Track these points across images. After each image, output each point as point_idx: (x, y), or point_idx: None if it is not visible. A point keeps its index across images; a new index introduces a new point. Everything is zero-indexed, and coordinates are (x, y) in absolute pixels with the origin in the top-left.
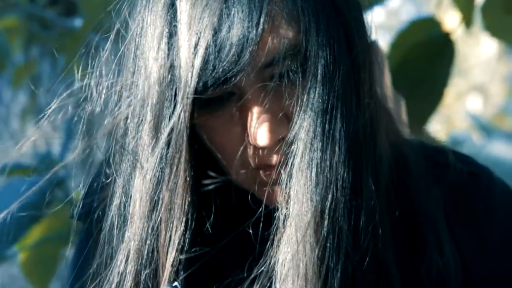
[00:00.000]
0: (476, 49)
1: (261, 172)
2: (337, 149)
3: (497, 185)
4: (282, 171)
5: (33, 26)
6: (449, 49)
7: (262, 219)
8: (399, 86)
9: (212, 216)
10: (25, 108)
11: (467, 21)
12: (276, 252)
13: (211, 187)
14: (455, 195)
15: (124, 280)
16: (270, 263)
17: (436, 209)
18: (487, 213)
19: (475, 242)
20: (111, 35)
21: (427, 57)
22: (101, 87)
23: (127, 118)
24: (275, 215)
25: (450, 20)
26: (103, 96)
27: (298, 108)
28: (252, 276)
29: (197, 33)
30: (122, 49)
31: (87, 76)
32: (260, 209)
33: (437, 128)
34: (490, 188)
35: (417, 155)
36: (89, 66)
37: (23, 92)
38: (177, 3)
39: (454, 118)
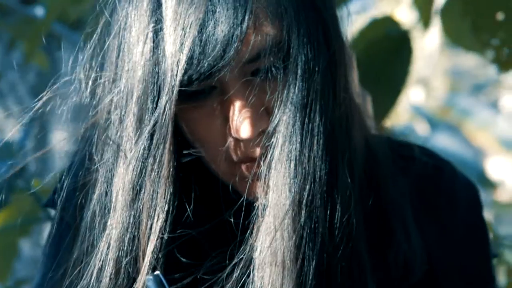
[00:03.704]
0: (419, 43)
1: (242, 165)
2: (315, 142)
3: (459, 178)
4: (261, 163)
5: None
6: (407, 47)
7: (243, 208)
8: (360, 81)
9: (193, 206)
10: None
11: (426, 21)
12: (255, 240)
13: (192, 176)
14: (420, 187)
15: (105, 267)
16: (249, 251)
17: (402, 200)
18: (450, 205)
19: (439, 232)
20: (98, 29)
21: (386, 54)
22: (87, 80)
23: (111, 109)
24: (254, 205)
25: (402, 15)
26: (88, 88)
27: (278, 103)
28: (232, 263)
29: (183, 29)
30: (107, 42)
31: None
32: (241, 200)
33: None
34: (453, 182)
35: (384, 149)
36: (73, 59)
37: None
38: None
39: (398, 110)
